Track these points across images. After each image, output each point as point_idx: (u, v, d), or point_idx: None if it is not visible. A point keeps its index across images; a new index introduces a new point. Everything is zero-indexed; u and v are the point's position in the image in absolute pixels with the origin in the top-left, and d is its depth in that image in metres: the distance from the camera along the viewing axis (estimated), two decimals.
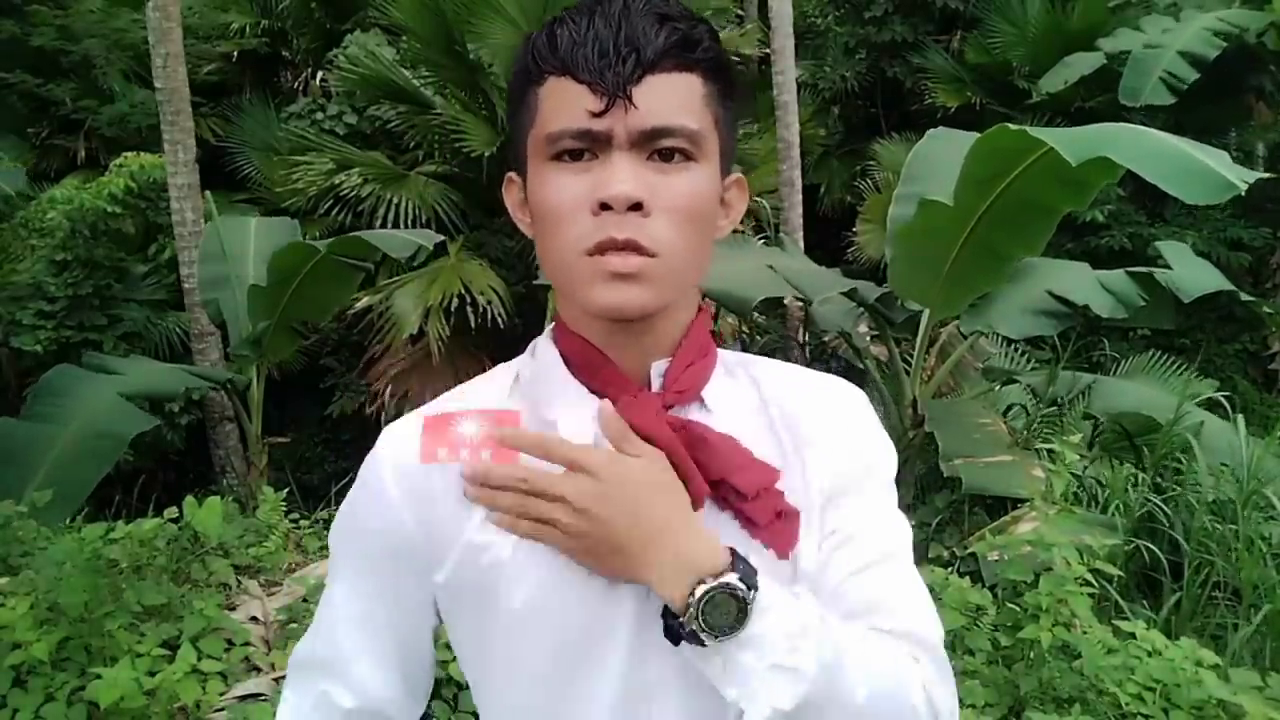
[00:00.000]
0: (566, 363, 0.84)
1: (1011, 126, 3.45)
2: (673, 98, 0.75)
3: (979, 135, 3.59)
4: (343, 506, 0.88)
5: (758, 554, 0.77)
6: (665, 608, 0.75)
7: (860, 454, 0.86)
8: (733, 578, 0.72)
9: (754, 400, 0.87)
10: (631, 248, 0.74)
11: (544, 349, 0.86)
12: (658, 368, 0.82)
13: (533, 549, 0.78)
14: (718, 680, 0.74)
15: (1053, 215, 3.94)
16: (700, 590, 0.71)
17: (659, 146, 0.75)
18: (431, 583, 0.82)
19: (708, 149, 0.78)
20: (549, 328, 0.88)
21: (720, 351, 0.89)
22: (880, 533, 0.84)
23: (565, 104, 0.75)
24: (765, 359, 0.93)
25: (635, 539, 0.74)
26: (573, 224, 0.76)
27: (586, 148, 0.76)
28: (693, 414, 0.83)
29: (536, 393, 0.84)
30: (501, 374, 0.89)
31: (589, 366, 0.82)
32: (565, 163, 0.76)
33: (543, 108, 0.78)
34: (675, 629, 0.74)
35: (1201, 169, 2.91)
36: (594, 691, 0.79)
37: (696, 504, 0.77)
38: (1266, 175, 3.07)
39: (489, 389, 0.87)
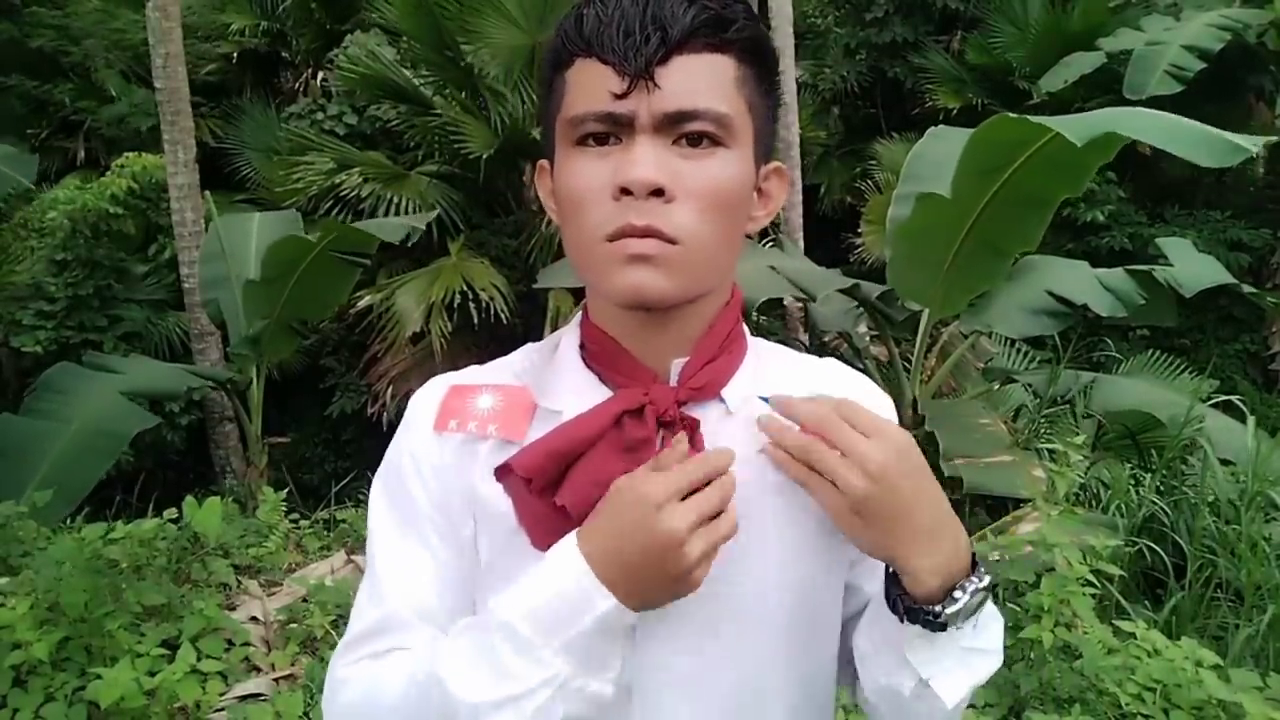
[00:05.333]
0: (586, 352, 0.82)
1: (1012, 116, 3.46)
2: (700, 79, 0.72)
3: (978, 126, 3.60)
4: (381, 471, 0.86)
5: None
6: (891, 575, 0.76)
7: None
8: (988, 580, 0.75)
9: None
10: (651, 234, 0.71)
11: (568, 336, 0.85)
12: (678, 364, 0.79)
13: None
14: (919, 659, 0.76)
15: (1049, 206, 3.96)
16: (971, 592, 0.74)
17: (685, 130, 0.72)
18: (464, 538, 0.81)
19: (739, 134, 0.75)
20: (577, 316, 0.86)
21: (757, 343, 0.86)
22: None
23: (589, 86, 0.73)
24: (808, 355, 0.90)
25: (924, 517, 0.73)
26: (594, 209, 0.73)
27: (610, 131, 0.73)
28: (711, 412, 0.80)
29: (547, 378, 0.83)
30: (529, 352, 0.89)
31: (605, 357, 0.80)
32: (589, 146, 0.74)
33: (569, 90, 0.75)
34: (914, 611, 0.74)
35: (1209, 135, 2.97)
36: None
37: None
38: (1274, 139, 3.12)
39: (510, 367, 0.87)
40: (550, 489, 0.76)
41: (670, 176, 0.71)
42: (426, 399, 0.85)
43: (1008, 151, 3.60)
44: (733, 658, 0.79)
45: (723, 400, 0.80)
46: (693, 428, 0.78)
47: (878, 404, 0.87)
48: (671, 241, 0.72)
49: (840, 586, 0.85)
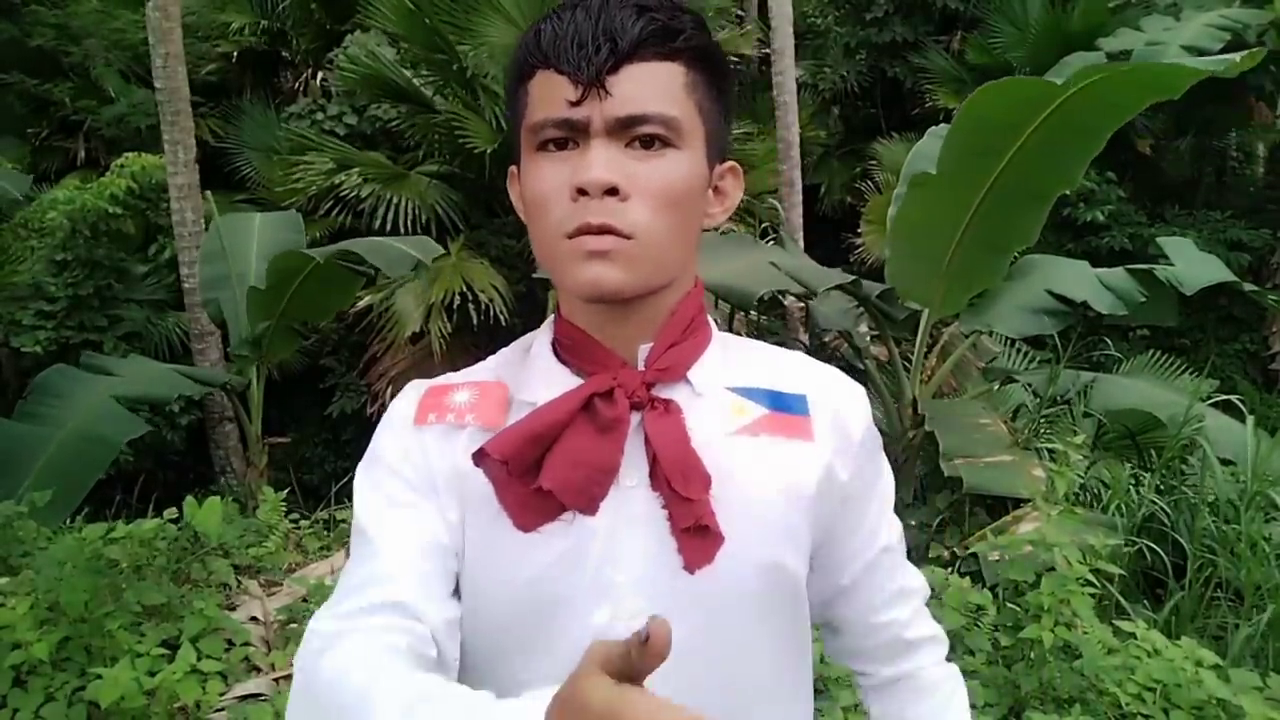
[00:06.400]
0: (559, 346, 0.87)
1: (995, 82, 3.49)
2: (649, 86, 0.77)
3: (967, 99, 3.63)
4: (365, 462, 0.89)
5: (670, 555, 0.79)
6: None
7: (870, 456, 0.91)
8: None
9: (746, 385, 0.86)
10: (607, 231, 0.76)
11: (541, 335, 0.90)
12: (644, 350, 0.83)
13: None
14: None
15: (1044, 200, 3.98)
16: None
17: (637, 133, 0.77)
18: (450, 522, 0.83)
19: (689, 136, 0.79)
20: (550, 317, 0.90)
21: (724, 335, 0.90)
22: (893, 529, 0.96)
23: (548, 95, 0.78)
24: (775, 347, 0.94)
25: None
26: (555, 209, 0.78)
27: (568, 136, 0.78)
28: (678, 394, 0.84)
29: (522, 374, 0.88)
30: (504, 353, 0.93)
31: (576, 348, 0.84)
32: (550, 151, 0.79)
33: (530, 100, 0.80)
34: None
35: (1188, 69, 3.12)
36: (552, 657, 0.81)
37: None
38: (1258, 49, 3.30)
39: (485, 367, 0.91)
40: (529, 473, 0.79)
41: (624, 177, 0.76)
42: (404, 399, 0.89)
43: (997, 134, 3.63)
44: (718, 631, 0.81)
45: (689, 382, 0.84)
46: (668, 407, 0.81)
47: (847, 392, 0.91)
48: (626, 237, 0.76)
49: (805, 563, 0.88)
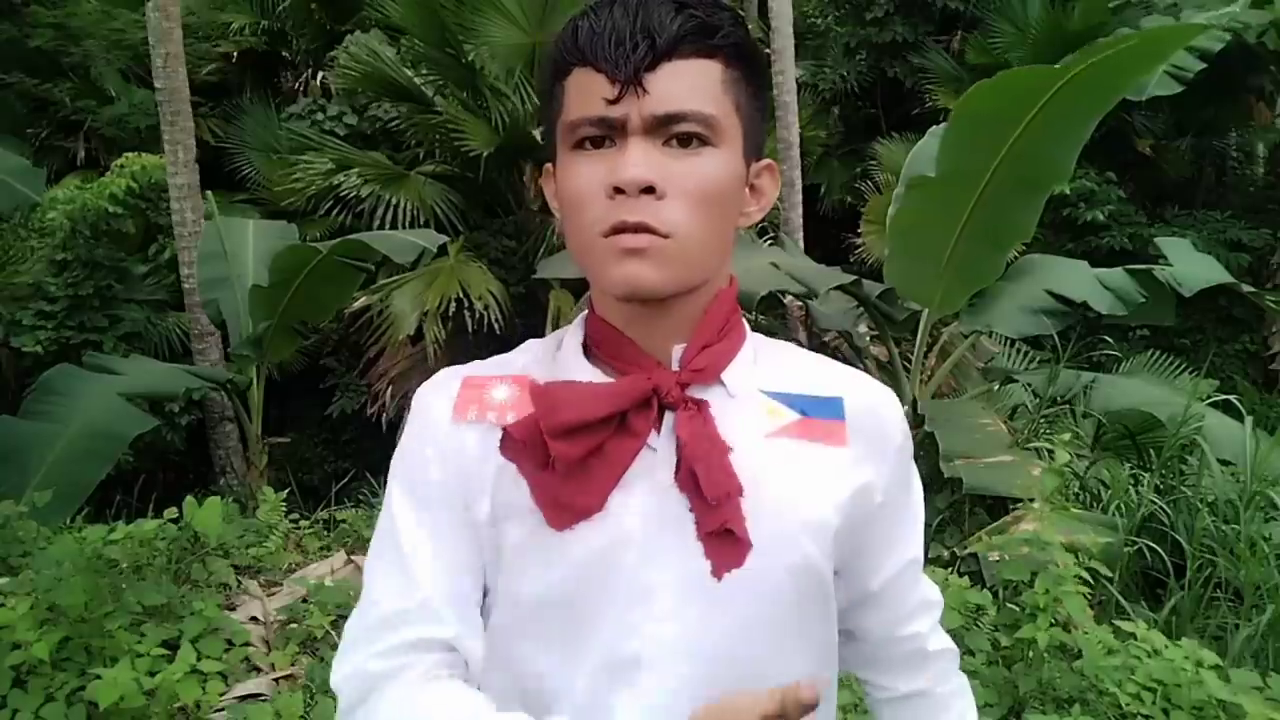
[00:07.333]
0: (591, 343, 0.86)
1: (986, 82, 3.50)
2: (687, 83, 0.76)
3: (960, 98, 3.65)
4: (399, 456, 0.87)
5: (696, 560, 0.79)
6: None
7: (905, 462, 0.89)
8: None
9: (780, 388, 0.86)
10: (643, 230, 0.75)
11: (571, 334, 0.88)
12: (678, 350, 0.83)
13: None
14: None
15: (1040, 191, 3.99)
16: None
17: (674, 131, 0.77)
18: (477, 522, 0.83)
19: (727, 134, 0.79)
20: (580, 314, 0.89)
21: (756, 336, 0.89)
22: (919, 542, 0.95)
23: (585, 93, 0.77)
24: (806, 350, 0.93)
25: None
26: (592, 208, 0.77)
27: (605, 134, 0.77)
28: (713, 395, 0.83)
29: (553, 373, 0.86)
30: (531, 347, 0.92)
31: (610, 345, 0.84)
32: (586, 150, 0.78)
33: (567, 98, 0.80)
34: None
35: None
36: (581, 655, 0.80)
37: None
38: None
39: (511, 365, 0.89)
40: (548, 459, 0.78)
41: (661, 175, 0.75)
42: (440, 389, 0.87)
43: (991, 131, 3.64)
44: (752, 634, 0.80)
45: (723, 384, 0.83)
46: (700, 408, 0.81)
47: (882, 398, 0.89)
48: (663, 236, 0.76)
49: (831, 569, 0.87)
